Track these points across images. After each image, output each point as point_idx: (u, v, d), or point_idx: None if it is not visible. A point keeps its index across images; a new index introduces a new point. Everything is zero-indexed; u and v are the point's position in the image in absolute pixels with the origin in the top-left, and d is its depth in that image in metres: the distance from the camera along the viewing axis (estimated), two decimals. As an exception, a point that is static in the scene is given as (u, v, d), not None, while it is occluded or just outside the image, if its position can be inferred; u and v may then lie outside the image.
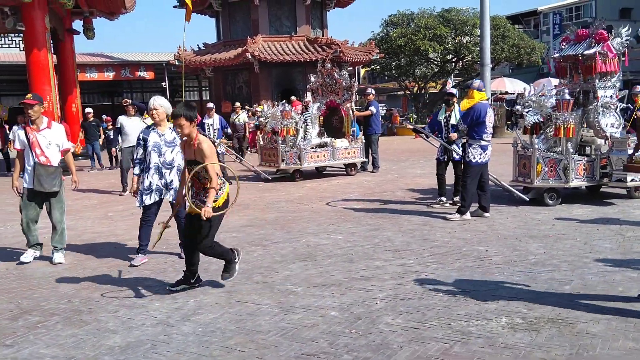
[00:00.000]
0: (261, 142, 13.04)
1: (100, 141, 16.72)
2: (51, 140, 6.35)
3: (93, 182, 13.63)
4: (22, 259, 6.29)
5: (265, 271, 5.60)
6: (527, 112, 8.13)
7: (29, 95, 6.38)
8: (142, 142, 6.12)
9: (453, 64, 30.99)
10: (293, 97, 19.94)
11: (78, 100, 20.51)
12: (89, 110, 17.31)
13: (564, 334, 3.82)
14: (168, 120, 6.25)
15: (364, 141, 12.91)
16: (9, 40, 19.85)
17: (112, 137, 15.39)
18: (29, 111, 6.23)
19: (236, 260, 5.14)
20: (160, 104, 5.98)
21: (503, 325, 4.02)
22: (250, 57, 23.01)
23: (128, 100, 12.30)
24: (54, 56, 17.53)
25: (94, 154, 16.53)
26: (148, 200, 6.02)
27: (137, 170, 6.16)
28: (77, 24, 20.67)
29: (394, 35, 28.63)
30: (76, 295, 5.10)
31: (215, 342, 3.94)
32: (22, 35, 17.40)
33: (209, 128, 12.32)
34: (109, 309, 4.69)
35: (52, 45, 16.38)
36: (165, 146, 6.05)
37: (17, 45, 19.76)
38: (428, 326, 4.06)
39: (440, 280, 5.08)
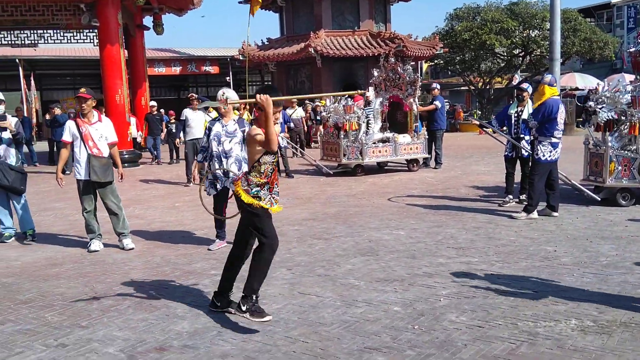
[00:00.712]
0: (323, 137, 13.10)
1: (163, 135, 17.02)
2: (102, 133, 6.65)
3: (161, 173, 14.09)
4: (92, 247, 6.55)
5: (327, 264, 5.64)
6: (600, 109, 7.81)
7: (83, 90, 6.65)
8: (207, 132, 6.39)
9: (520, 58, 30.06)
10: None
11: (147, 94, 21.23)
12: (152, 103, 17.72)
13: (638, 338, 3.66)
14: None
15: (427, 137, 12.75)
16: (83, 35, 20.64)
17: (174, 130, 15.67)
18: (83, 105, 6.53)
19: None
20: (230, 97, 6.17)
21: (572, 327, 3.89)
22: (312, 51, 23.10)
23: (194, 95, 12.63)
24: (126, 51, 18.16)
25: (154, 148, 16.96)
26: (211, 190, 6.24)
27: (199, 157, 6.46)
28: (147, 20, 21.40)
29: (459, 29, 28.05)
30: (146, 281, 5.30)
31: (279, 332, 4.01)
32: (96, 30, 18.15)
33: (273, 122, 12.46)
34: (176, 296, 4.85)
35: (123, 40, 16.97)
36: (225, 136, 6.27)
37: (92, 41, 20.56)
38: (493, 325, 3.99)
39: (506, 280, 4.97)
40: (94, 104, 6.66)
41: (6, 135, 6.99)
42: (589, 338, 3.71)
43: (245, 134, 6.31)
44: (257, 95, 3.87)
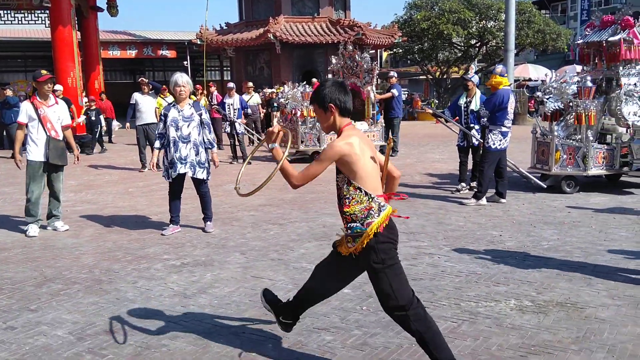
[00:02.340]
0: (281, 124, 13.11)
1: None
2: (60, 115, 6.54)
3: (114, 158, 13.86)
4: (31, 233, 6.43)
5: (281, 249, 5.71)
6: (547, 99, 8.09)
7: (44, 71, 6.53)
8: (163, 118, 6.34)
9: (477, 49, 30.61)
10: (314, 79, 19.90)
11: (101, 77, 20.76)
12: (57, 87, 16.20)
13: (572, 317, 3.87)
14: (189, 98, 6.45)
15: (383, 125, 12.92)
16: (34, 16, 20.06)
17: (93, 118, 15.14)
18: (45, 87, 6.40)
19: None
20: (187, 81, 6.17)
21: (512, 307, 4.08)
22: (272, 37, 22.98)
23: (145, 79, 12.46)
24: (78, 33, 17.71)
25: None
26: (173, 173, 6.21)
27: (157, 144, 6.41)
28: (101, 2, 20.89)
29: (418, 18, 28.35)
30: (97, 266, 5.26)
31: (231, 313, 4.07)
32: (47, 12, 17.64)
33: (229, 107, 12.45)
34: (128, 280, 4.85)
35: (76, 22, 16.55)
36: (183, 121, 6.24)
37: (43, 22, 19.99)
38: (438, 305, 4.14)
39: (452, 263, 5.15)
40: (53, 87, 6.53)
41: None
42: (526, 317, 3.90)
43: (201, 117, 6.32)
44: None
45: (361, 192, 2.96)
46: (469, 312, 4.02)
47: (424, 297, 4.31)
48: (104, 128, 15.00)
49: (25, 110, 6.47)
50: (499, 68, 7.93)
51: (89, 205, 8.16)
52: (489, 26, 28.70)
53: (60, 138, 6.57)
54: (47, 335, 3.75)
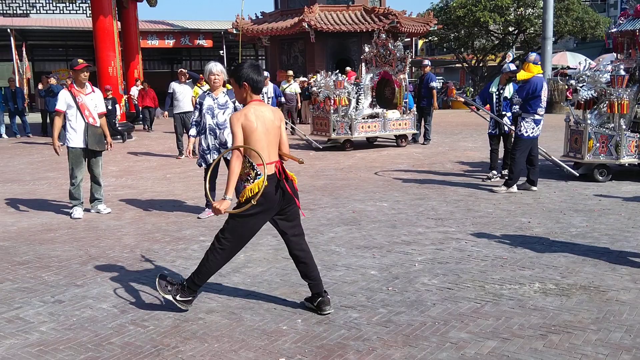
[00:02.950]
0: (313, 112, 13.28)
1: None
2: (96, 103, 6.83)
3: (153, 145, 14.27)
4: (75, 215, 6.76)
5: (311, 232, 5.89)
6: (580, 87, 8.04)
7: (81, 60, 6.82)
8: (198, 106, 6.57)
9: (514, 36, 30.12)
10: (348, 68, 20.00)
11: (140, 66, 21.25)
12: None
13: (594, 300, 3.96)
14: (224, 86, 6.67)
15: (416, 113, 12.96)
16: (76, 6, 20.63)
17: (109, 107, 14.66)
18: (81, 75, 6.69)
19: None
20: (221, 69, 6.37)
21: (535, 290, 4.19)
22: (306, 26, 23.08)
23: (184, 70, 12.76)
24: (119, 23, 18.17)
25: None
26: (209, 159, 6.43)
27: (193, 132, 6.65)
28: (141, -8, 21.32)
29: (454, 5, 28.05)
30: (138, 246, 5.55)
31: (262, 291, 4.28)
32: (89, 1, 18.13)
33: (263, 96, 12.66)
34: (167, 259, 5.11)
35: (116, 12, 16.97)
36: (218, 108, 6.46)
37: (84, 12, 20.54)
38: (462, 287, 4.28)
39: (479, 248, 5.25)
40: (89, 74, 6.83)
41: None
42: (549, 299, 4.00)
43: (235, 105, 6.55)
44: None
45: (245, 159, 3.62)
46: (493, 294, 4.14)
47: (449, 279, 4.45)
48: (118, 117, 15.08)
49: (64, 99, 6.77)
50: (533, 56, 7.91)
51: (129, 189, 8.50)
52: (526, 13, 28.19)
53: (98, 125, 6.86)
54: (92, 308, 4.02)
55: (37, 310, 4.01)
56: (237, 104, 6.63)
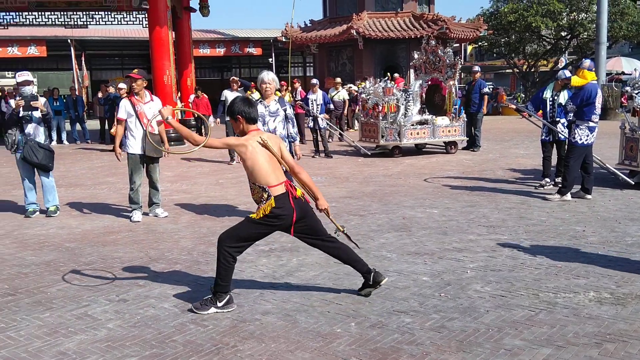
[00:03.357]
0: (362, 119, 13.37)
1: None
2: (154, 111, 7.09)
3: (204, 151, 14.63)
4: (135, 218, 7.06)
5: (362, 238, 5.97)
6: (636, 94, 7.85)
7: (135, 70, 7.15)
8: None
9: (567, 41, 29.44)
10: (396, 75, 19.98)
11: (193, 74, 21.80)
12: (121, 85, 15.93)
13: (652, 311, 3.90)
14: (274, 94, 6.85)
15: (465, 119, 12.87)
16: (132, 17, 21.32)
17: None
18: (134, 84, 6.99)
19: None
20: (273, 78, 6.53)
21: (590, 298, 4.15)
22: (355, 33, 23.22)
23: (235, 78, 13.08)
24: (173, 32, 18.71)
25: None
26: None
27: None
28: (194, 2, 21.91)
29: (505, 10, 27.65)
30: (195, 249, 5.76)
31: (315, 294, 4.39)
32: (144, 12, 18.74)
33: (312, 103, 12.85)
34: (223, 262, 5.27)
35: (171, 22, 17.49)
36: (269, 116, 6.64)
37: (140, 22, 21.23)
38: (515, 295, 4.27)
39: (532, 256, 5.22)
40: (144, 84, 7.12)
41: (37, 114, 7.35)
42: (604, 308, 3.96)
43: (286, 112, 6.72)
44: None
45: (255, 185, 4.01)
46: (547, 302, 4.12)
47: (502, 286, 4.46)
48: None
49: (124, 107, 7.09)
50: (587, 62, 7.79)
51: (184, 194, 8.78)
52: (580, 18, 27.53)
53: (156, 132, 7.15)
54: (155, 308, 4.22)
55: (104, 308, 4.24)
56: (288, 111, 6.80)
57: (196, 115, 14.18)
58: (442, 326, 3.78)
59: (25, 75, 7.32)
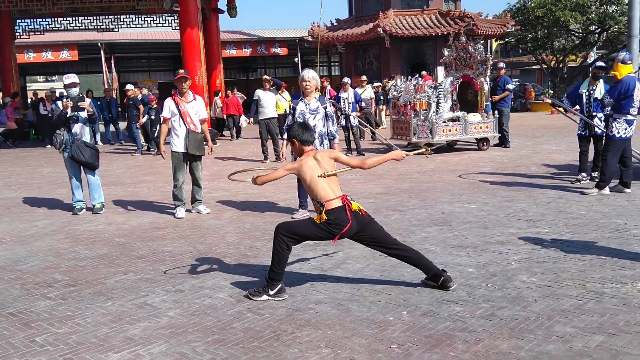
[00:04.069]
0: (393, 117, 13.44)
1: (139, 123, 15.42)
2: (197, 111, 7.30)
3: (237, 150, 14.86)
4: (179, 215, 7.26)
5: (404, 232, 6.07)
6: (676, 86, 7.78)
7: (182, 71, 7.35)
8: (291, 111, 6.93)
9: (596, 35, 29.09)
10: (424, 72, 19.99)
11: (221, 75, 22.12)
12: (129, 86, 16.63)
13: (703, 300, 3.93)
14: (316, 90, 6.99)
15: (497, 116, 12.86)
16: (162, 19, 21.71)
17: (153, 117, 14.57)
18: (183, 84, 7.19)
19: None
20: (314, 76, 6.68)
21: (638, 289, 4.19)
22: (381, 32, 23.31)
23: (267, 77, 13.25)
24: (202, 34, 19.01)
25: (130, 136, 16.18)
26: None
27: (286, 135, 6.97)
28: (221, 3, 22.23)
29: (532, 5, 27.45)
30: (241, 243, 5.92)
31: (365, 285, 4.51)
32: (174, 15, 19.09)
33: (344, 102, 12.97)
34: (270, 256, 5.40)
35: (202, 24, 17.79)
36: (309, 113, 6.79)
37: (170, 25, 21.60)
38: (562, 285, 4.34)
39: (575, 248, 5.27)
40: (190, 84, 7.32)
41: (83, 114, 7.60)
42: (654, 298, 4.01)
43: (326, 110, 6.86)
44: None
45: (314, 201, 4.31)
46: (594, 292, 4.18)
47: (548, 277, 4.52)
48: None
49: (168, 106, 7.30)
50: (622, 55, 7.75)
51: (223, 192, 8.98)
52: (610, 11, 27.17)
53: (199, 131, 7.36)
54: (211, 297, 4.39)
55: (162, 298, 4.42)
56: (328, 109, 6.94)
57: None
58: (493, 314, 3.87)
59: (72, 78, 7.58)
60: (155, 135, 14.43)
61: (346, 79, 13.73)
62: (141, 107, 15.34)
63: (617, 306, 3.90)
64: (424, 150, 4.99)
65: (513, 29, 27.33)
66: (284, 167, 4.48)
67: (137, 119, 15.37)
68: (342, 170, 4.61)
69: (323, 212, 4.19)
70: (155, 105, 14.93)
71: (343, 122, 13.10)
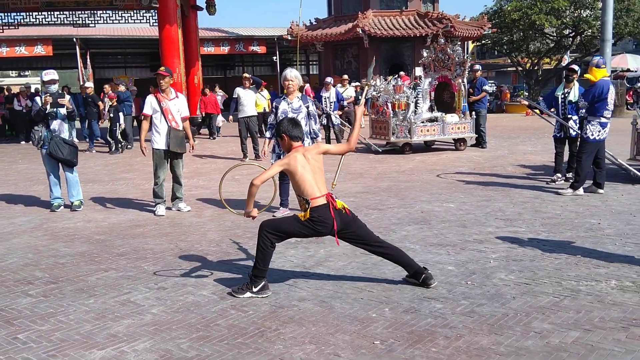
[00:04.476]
0: (372, 116, 13.53)
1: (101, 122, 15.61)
2: (179, 108, 7.29)
3: (216, 148, 14.81)
4: (159, 212, 7.24)
5: (384, 230, 6.15)
6: (648, 90, 8.02)
7: (162, 68, 7.33)
8: (274, 110, 6.95)
9: (570, 39, 29.59)
10: (402, 72, 20.12)
11: (200, 73, 21.96)
12: (88, 84, 16.71)
13: (673, 297, 4.07)
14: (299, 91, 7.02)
15: (474, 117, 13.04)
16: (140, 16, 21.45)
17: (112, 115, 14.76)
18: (161, 81, 7.17)
19: None
20: (296, 75, 6.71)
21: (612, 286, 4.32)
22: (360, 32, 23.39)
23: (247, 75, 13.22)
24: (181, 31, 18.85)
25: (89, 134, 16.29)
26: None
27: (268, 134, 7.05)
28: (200, 1, 22.08)
29: (508, 8, 27.76)
30: (222, 241, 5.94)
31: (347, 283, 4.57)
32: (151, 11, 18.92)
33: (325, 100, 13.02)
34: (251, 253, 5.44)
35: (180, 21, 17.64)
36: (292, 112, 6.82)
37: (148, 21, 21.36)
38: (539, 283, 4.45)
39: (551, 247, 5.40)
40: (171, 82, 7.30)
41: (62, 111, 7.53)
42: (627, 295, 4.14)
43: (308, 109, 6.89)
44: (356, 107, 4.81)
45: (300, 197, 4.35)
46: (570, 289, 4.30)
47: (526, 275, 4.63)
48: (122, 126, 14.98)
49: (150, 103, 7.27)
50: (596, 59, 7.94)
51: (203, 189, 8.96)
52: (584, 15, 27.67)
53: (180, 128, 7.35)
54: (194, 295, 4.40)
55: (145, 295, 4.42)
56: (310, 108, 6.98)
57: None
58: (472, 311, 3.96)
59: (52, 74, 7.49)
60: (117, 133, 14.74)
61: (329, 79, 13.82)
62: (100, 104, 15.36)
63: (592, 303, 4.02)
64: (366, 85, 5.66)
65: (489, 32, 27.64)
66: (276, 164, 4.51)
67: (96, 117, 15.54)
68: (339, 168, 5.19)
69: (308, 209, 4.23)
70: (114, 104, 15.01)
71: (325, 121, 13.16)
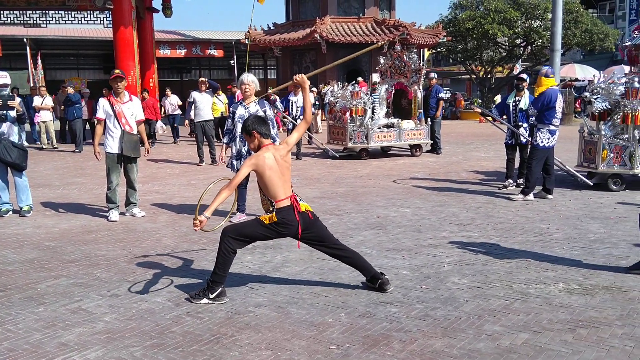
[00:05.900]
0: (330, 122, 13.61)
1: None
2: (133, 111, 7.18)
3: (171, 153, 14.61)
4: (112, 218, 7.10)
5: (341, 236, 6.17)
6: (595, 99, 8.34)
7: (117, 71, 7.19)
8: (231, 115, 6.91)
9: (522, 48, 30.49)
10: (360, 78, 20.34)
11: (155, 75, 21.65)
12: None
13: (617, 299, 4.24)
14: (256, 95, 7.00)
15: (430, 123, 13.27)
16: (94, 17, 21.00)
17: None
18: (118, 84, 7.04)
19: None
20: (253, 80, 6.69)
21: (560, 289, 4.47)
22: (318, 37, 23.51)
23: (204, 79, 13.11)
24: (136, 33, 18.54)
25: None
26: (238, 165, 6.75)
27: (225, 139, 6.99)
28: (157, 3, 21.79)
29: (463, 17, 28.43)
30: (178, 247, 5.86)
31: (304, 288, 4.58)
32: (106, 12, 18.56)
33: (292, 105, 13.01)
34: (208, 259, 5.41)
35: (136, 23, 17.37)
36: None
37: (102, 22, 20.93)
38: (491, 287, 4.56)
39: (502, 251, 5.54)
40: (125, 85, 7.17)
41: (12, 113, 7.33)
42: (574, 297, 4.29)
43: (265, 113, 6.88)
44: (295, 76, 4.66)
45: (265, 197, 4.36)
46: (520, 292, 4.42)
47: (478, 279, 4.74)
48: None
49: (103, 107, 7.13)
50: (545, 69, 8.21)
51: (158, 195, 8.82)
52: (535, 26, 28.55)
53: (134, 132, 7.22)
54: (148, 302, 4.33)
55: (97, 302, 4.32)
56: (267, 112, 6.98)
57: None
58: (427, 315, 4.02)
59: (4, 78, 7.30)
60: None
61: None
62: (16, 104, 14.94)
63: (541, 305, 4.15)
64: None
65: (444, 40, 28.24)
66: (245, 164, 4.35)
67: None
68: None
69: (274, 212, 4.23)
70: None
71: (291, 126, 13.08)
